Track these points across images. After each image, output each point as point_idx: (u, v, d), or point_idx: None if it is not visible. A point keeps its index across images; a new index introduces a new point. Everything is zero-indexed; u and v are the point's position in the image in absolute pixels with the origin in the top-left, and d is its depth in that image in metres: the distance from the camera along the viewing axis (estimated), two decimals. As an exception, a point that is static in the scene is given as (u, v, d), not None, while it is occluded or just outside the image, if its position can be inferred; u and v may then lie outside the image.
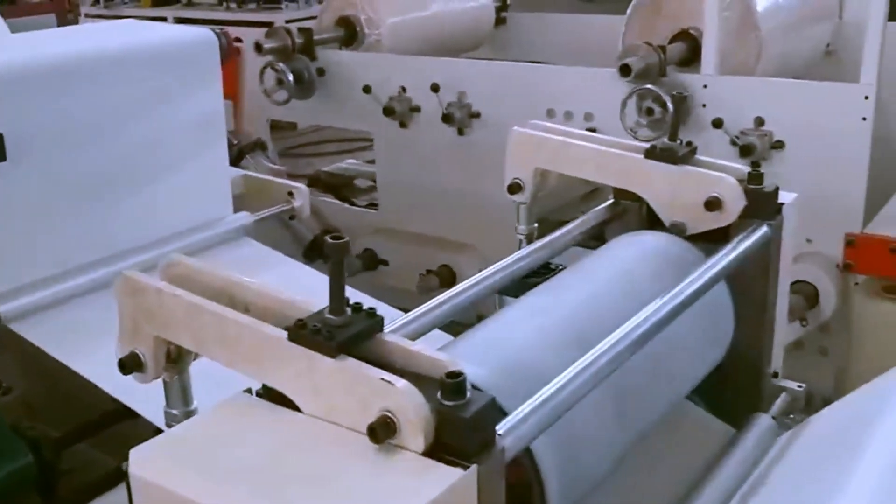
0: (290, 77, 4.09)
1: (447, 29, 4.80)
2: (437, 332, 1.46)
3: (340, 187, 4.88)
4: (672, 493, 1.53)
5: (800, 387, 1.90)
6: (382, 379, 1.07)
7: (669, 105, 3.41)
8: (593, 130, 3.71)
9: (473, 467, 1.05)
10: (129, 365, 1.25)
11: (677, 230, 1.87)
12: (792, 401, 1.89)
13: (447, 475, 1.03)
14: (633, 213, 1.95)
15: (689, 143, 1.92)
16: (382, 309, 1.23)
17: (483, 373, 1.27)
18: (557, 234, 1.87)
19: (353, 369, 1.10)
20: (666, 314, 1.49)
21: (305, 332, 1.12)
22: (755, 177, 1.83)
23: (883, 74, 3.26)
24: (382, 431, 1.06)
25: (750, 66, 3.78)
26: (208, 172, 2.21)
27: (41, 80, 1.88)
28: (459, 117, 3.97)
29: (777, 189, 1.86)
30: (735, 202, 1.82)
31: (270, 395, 1.16)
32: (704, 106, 3.53)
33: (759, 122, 3.42)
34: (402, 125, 4.11)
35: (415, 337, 1.33)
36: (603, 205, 1.96)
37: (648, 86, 3.46)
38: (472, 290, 1.54)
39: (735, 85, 3.49)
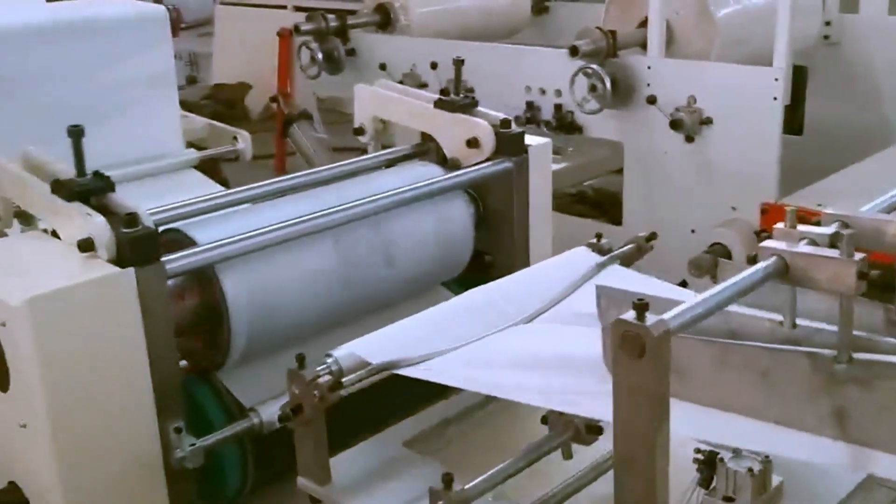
0: (320, 55, 4.81)
1: (475, 17, 5.37)
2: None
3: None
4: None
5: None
6: (88, 213, 1.76)
7: (608, 82, 3.88)
8: (559, 106, 4.25)
9: (131, 270, 1.72)
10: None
11: (453, 164, 2.43)
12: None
13: (110, 269, 1.71)
14: (432, 152, 2.52)
15: (469, 97, 2.48)
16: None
17: (201, 228, 1.94)
18: (374, 156, 2.48)
19: (78, 209, 1.79)
20: (388, 202, 2.10)
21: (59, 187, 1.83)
22: (505, 123, 2.37)
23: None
24: (85, 246, 1.75)
25: (706, 51, 4.16)
26: (160, 116, 2.96)
27: (37, 36, 2.65)
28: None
29: (522, 133, 2.39)
30: (488, 142, 2.37)
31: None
32: (649, 85, 3.96)
33: (692, 100, 3.82)
34: (413, 98, 4.76)
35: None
36: (413, 143, 2.54)
37: (592, 66, 3.93)
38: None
39: (673, 67, 3.90)
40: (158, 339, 1.79)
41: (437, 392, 1.82)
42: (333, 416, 1.66)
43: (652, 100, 3.90)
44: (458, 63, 2.69)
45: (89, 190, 1.82)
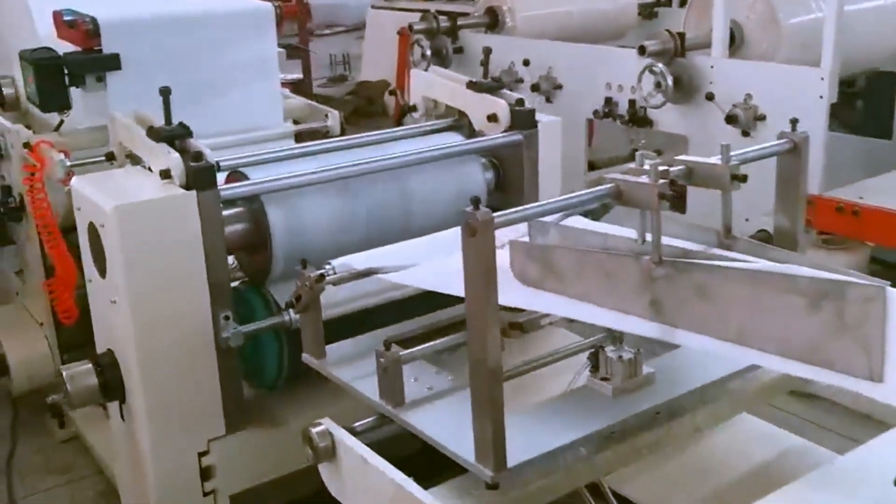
0: (429, 52, 5.40)
1: (580, 20, 5.82)
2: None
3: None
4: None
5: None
6: (169, 152, 2.40)
7: (670, 79, 4.26)
8: (633, 102, 4.65)
9: (193, 192, 2.34)
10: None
11: (479, 134, 2.94)
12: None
13: (178, 191, 2.34)
14: (465, 126, 3.03)
15: (496, 81, 2.98)
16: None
17: (255, 170, 2.54)
18: (415, 126, 3.02)
19: (162, 148, 2.43)
20: (408, 160, 2.64)
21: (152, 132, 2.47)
22: (520, 101, 2.85)
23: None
24: (164, 175, 2.39)
25: (772, 54, 4.46)
26: (264, 94, 3.61)
27: (162, 26, 3.36)
28: (545, 88, 5.04)
29: (533, 111, 2.86)
30: (504, 116, 2.86)
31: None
32: (711, 83, 4.31)
33: (748, 97, 4.15)
34: (510, 93, 5.27)
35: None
36: (450, 118, 3.06)
37: (658, 64, 4.31)
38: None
39: (733, 66, 4.24)
40: (213, 247, 2.40)
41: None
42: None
43: (710, 96, 4.25)
44: (487, 51, 3.19)
45: (172, 135, 2.46)
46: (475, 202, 1.58)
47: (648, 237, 1.78)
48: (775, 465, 2.10)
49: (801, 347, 1.51)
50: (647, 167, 1.69)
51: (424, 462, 1.90)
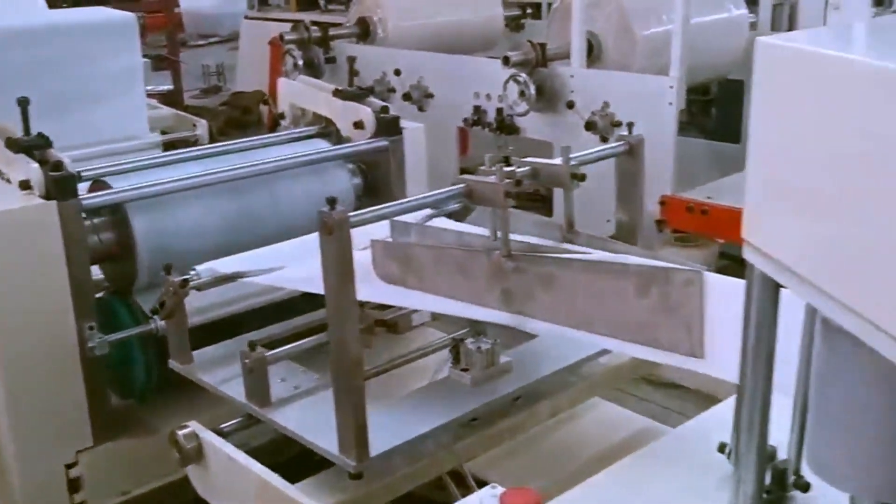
0: (301, 62, 5.43)
1: (449, 32, 5.95)
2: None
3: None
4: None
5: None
6: (28, 162, 2.37)
7: (532, 88, 4.44)
8: (500, 110, 4.79)
9: (53, 203, 2.32)
10: None
11: (346, 141, 3.00)
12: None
13: (37, 201, 2.32)
14: (334, 134, 3.09)
15: (361, 90, 3.06)
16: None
17: (118, 179, 2.53)
18: (282, 133, 3.06)
19: (21, 159, 2.40)
20: (275, 165, 2.68)
21: (10, 143, 2.44)
22: (384, 109, 2.94)
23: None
24: (23, 186, 2.36)
25: (630, 63, 4.70)
26: (129, 105, 3.59)
27: (28, 37, 3.30)
28: (417, 97, 5.15)
29: (398, 118, 2.95)
30: (369, 123, 2.93)
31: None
32: (572, 92, 4.50)
33: (605, 105, 4.36)
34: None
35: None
36: (317, 126, 3.12)
37: (521, 74, 4.48)
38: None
39: (591, 76, 4.45)
40: (76, 257, 2.39)
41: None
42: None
43: (571, 104, 4.45)
44: (351, 60, 3.28)
45: (31, 145, 2.43)
46: (331, 202, 1.65)
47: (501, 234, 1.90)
48: (626, 445, 2.24)
49: (634, 329, 1.64)
50: (501, 169, 1.81)
51: (307, 465, 1.95)
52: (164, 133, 3.82)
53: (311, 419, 1.94)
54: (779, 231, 1.05)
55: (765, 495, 1.40)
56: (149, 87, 6.87)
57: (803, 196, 1.00)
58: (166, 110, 3.97)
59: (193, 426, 1.99)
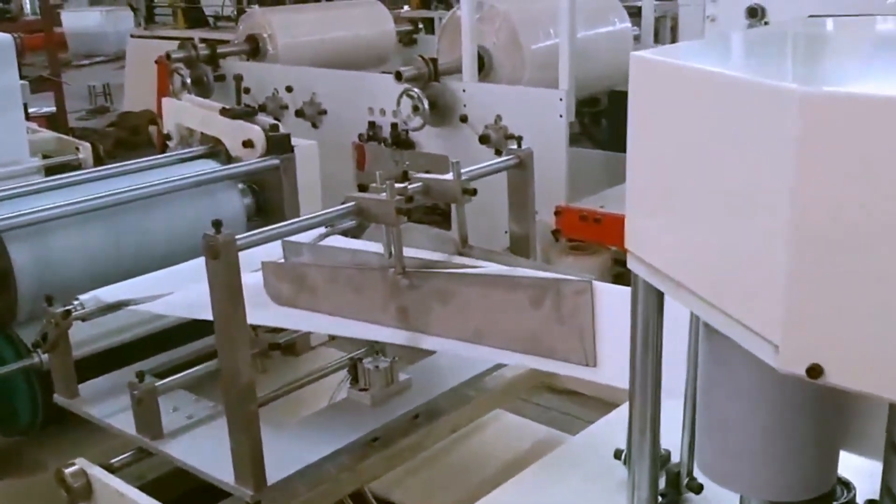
0: (189, 80, 5.31)
1: (341, 47, 5.93)
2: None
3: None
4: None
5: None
6: None
7: (426, 103, 4.45)
8: (395, 125, 4.78)
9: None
10: None
11: (236, 160, 2.94)
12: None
13: None
14: (222, 153, 3.02)
15: (249, 108, 3.00)
16: None
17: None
18: (169, 154, 2.97)
19: None
20: (162, 187, 2.59)
21: None
22: (274, 127, 2.89)
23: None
24: None
25: (517, 76, 4.76)
26: (6, 128, 3.44)
27: None
28: (310, 113, 5.10)
29: (288, 136, 2.91)
30: (259, 142, 2.88)
31: None
32: (465, 106, 4.53)
33: (498, 119, 4.40)
34: (276, 119, 5.29)
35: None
36: (205, 146, 3.05)
37: (414, 89, 4.49)
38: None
39: (483, 90, 4.49)
40: (-52, 292, 2.26)
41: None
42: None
43: (464, 118, 4.48)
44: (238, 79, 3.22)
45: None
46: (216, 225, 1.61)
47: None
48: (528, 456, 2.26)
49: (529, 340, 1.65)
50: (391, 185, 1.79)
51: (210, 496, 1.89)
52: (45, 157, 3.68)
53: (206, 449, 1.89)
54: (656, 239, 1.07)
55: (660, 499, 1.42)
56: (32, 110, 6.62)
57: (676, 205, 1.02)
58: (48, 133, 3.83)
59: (80, 462, 1.90)
